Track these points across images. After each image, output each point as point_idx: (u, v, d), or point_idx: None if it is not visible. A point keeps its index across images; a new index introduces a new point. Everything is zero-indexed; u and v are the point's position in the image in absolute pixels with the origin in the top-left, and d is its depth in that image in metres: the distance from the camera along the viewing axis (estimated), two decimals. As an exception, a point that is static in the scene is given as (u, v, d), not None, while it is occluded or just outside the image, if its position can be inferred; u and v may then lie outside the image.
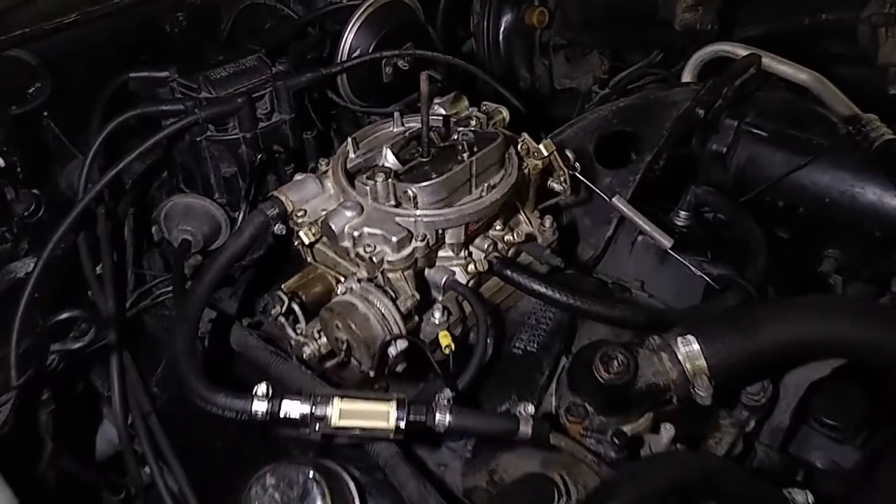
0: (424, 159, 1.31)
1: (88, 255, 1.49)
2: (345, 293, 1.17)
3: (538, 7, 2.12)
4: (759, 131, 1.62)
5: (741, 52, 1.76)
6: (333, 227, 1.20)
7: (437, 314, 1.26)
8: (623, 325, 1.31)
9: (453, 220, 1.22)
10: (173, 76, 1.63)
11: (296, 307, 1.24)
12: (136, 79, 1.66)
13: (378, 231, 1.20)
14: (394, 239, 1.18)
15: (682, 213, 1.65)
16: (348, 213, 1.21)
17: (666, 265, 1.58)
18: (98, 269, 1.46)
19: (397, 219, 1.22)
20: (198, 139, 1.59)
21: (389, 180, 1.23)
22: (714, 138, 1.66)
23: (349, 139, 1.36)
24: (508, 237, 1.35)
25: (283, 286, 1.30)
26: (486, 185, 1.26)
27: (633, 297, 1.56)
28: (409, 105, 1.85)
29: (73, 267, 1.48)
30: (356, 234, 1.20)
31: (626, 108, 1.71)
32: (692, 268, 1.42)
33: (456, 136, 1.36)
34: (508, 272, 1.29)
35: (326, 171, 1.34)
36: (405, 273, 1.21)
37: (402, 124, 1.43)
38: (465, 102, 1.51)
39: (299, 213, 1.27)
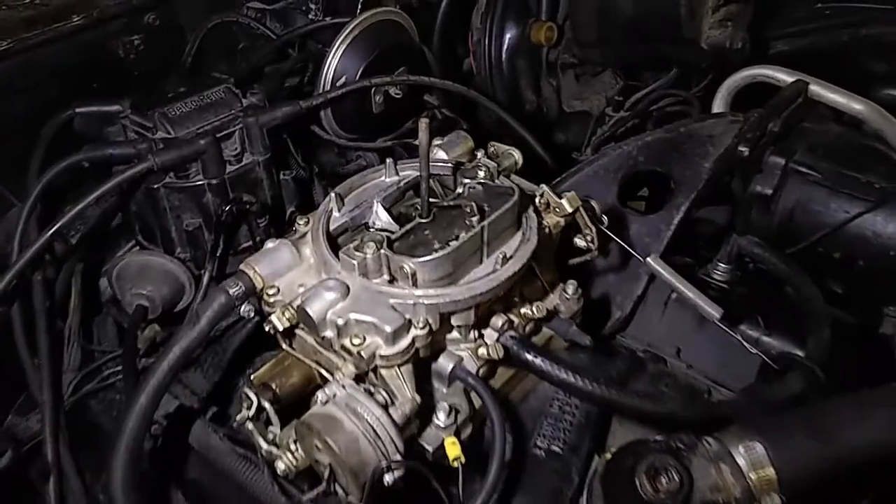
0: (424, 220, 1.08)
1: (23, 331, 1.25)
2: (326, 402, 0.93)
3: (546, 23, 1.89)
4: (810, 171, 1.40)
5: (783, 77, 1.54)
6: (312, 315, 0.96)
7: (442, 416, 1.02)
8: (670, 424, 1.08)
9: (462, 301, 0.99)
10: (125, 111, 1.38)
11: (267, 405, 1.01)
12: (83, 115, 1.42)
13: (368, 318, 0.96)
14: (388, 329, 0.95)
15: (722, 265, 1.43)
16: (330, 296, 0.97)
17: (705, 328, 1.35)
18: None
19: (392, 301, 0.98)
20: (154, 186, 1.35)
21: (382, 251, 0.99)
22: (758, 178, 1.43)
23: (332, 194, 1.12)
24: (526, 311, 1.12)
25: (251, 376, 1.06)
26: (500, 254, 1.03)
27: (670, 370, 1.34)
28: (403, 139, 1.61)
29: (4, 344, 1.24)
30: (341, 321, 0.96)
31: (655, 144, 1.48)
32: (746, 344, 1.19)
33: (461, 190, 1.13)
34: (529, 357, 1.06)
35: (305, 234, 1.10)
36: (402, 369, 0.98)
37: (396, 172, 1.20)
38: (471, 143, 1.28)
39: (271, 291, 1.03)
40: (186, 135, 1.34)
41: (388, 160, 1.20)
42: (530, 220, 1.10)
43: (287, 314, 1.00)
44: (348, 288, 0.99)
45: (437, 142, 1.25)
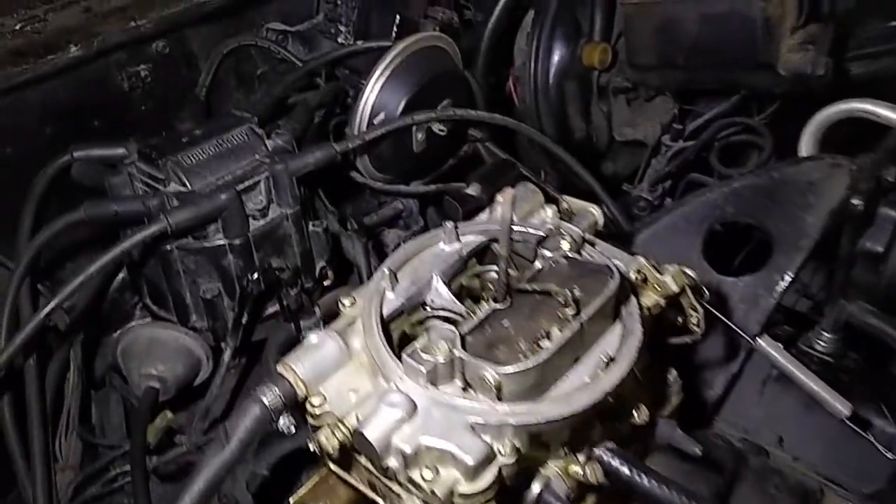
0: (500, 306, 0.88)
1: (14, 427, 1.05)
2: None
3: (600, 44, 1.69)
4: (929, 226, 1.20)
5: (887, 113, 1.33)
6: (373, 442, 0.76)
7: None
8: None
9: (560, 420, 0.78)
10: (132, 157, 1.19)
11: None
12: (82, 161, 1.21)
13: (444, 445, 0.76)
14: (470, 462, 0.74)
15: (827, 335, 1.23)
16: (394, 415, 0.77)
17: (812, 412, 1.15)
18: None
19: (471, 419, 0.78)
20: (167, 248, 1.15)
21: (456, 354, 0.79)
22: (868, 233, 1.23)
23: (383, 271, 0.92)
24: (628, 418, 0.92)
25: (290, 500, 0.86)
26: (602, 356, 0.82)
27: (775, 465, 1.14)
28: (444, 183, 1.41)
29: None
30: (408, 449, 0.76)
31: (744, 192, 1.28)
32: (880, 447, 0.99)
33: (541, 265, 0.93)
34: (633, 477, 0.86)
35: (353, 321, 0.90)
36: (487, 510, 0.78)
37: (457, 238, 1.00)
38: (540, 198, 1.09)
39: (316, 401, 0.83)
40: (204, 186, 1.14)
41: (448, 225, 1.00)
42: (629, 305, 0.90)
43: (339, 434, 0.80)
44: (415, 404, 0.78)
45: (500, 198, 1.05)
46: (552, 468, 0.87)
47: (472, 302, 1.02)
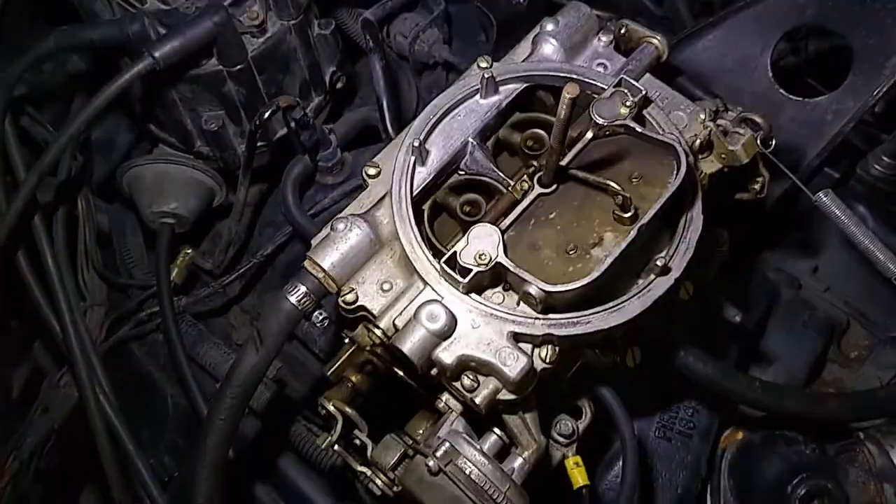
0: (547, 191, 0.78)
1: (33, 274, 1.03)
2: (437, 472, 0.75)
3: None
4: None
5: None
6: (410, 356, 0.73)
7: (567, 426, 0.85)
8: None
9: (605, 330, 0.75)
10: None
11: (341, 417, 0.83)
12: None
13: (485, 357, 0.73)
14: (512, 375, 0.72)
15: (886, 160, 1.13)
16: (432, 329, 0.73)
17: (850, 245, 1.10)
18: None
19: (514, 328, 0.74)
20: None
21: (498, 259, 0.73)
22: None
23: (412, 145, 0.81)
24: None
25: (324, 395, 0.87)
26: (656, 263, 0.75)
27: (807, 299, 1.12)
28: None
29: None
30: (448, 360, 0.74)
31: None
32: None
33: (591, 134, 0.80)
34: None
35: (380, 199, 0.81)
36: (526, 416, 0.78)
37: (495, 90, 0.86)
38: (594, 22, 0.91)
39: (348, 297, 0.78)
40: (188, 5, 0.95)
41: (482, 64, 0.85)
42: (690, 176, 0.79)
43: (374, 337, 0.77)
44: (454, 316, 0.74)
45: (549, 26, 0.88)
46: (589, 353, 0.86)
47: (509, 155, 0.92)
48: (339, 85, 1.19)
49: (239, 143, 1.09)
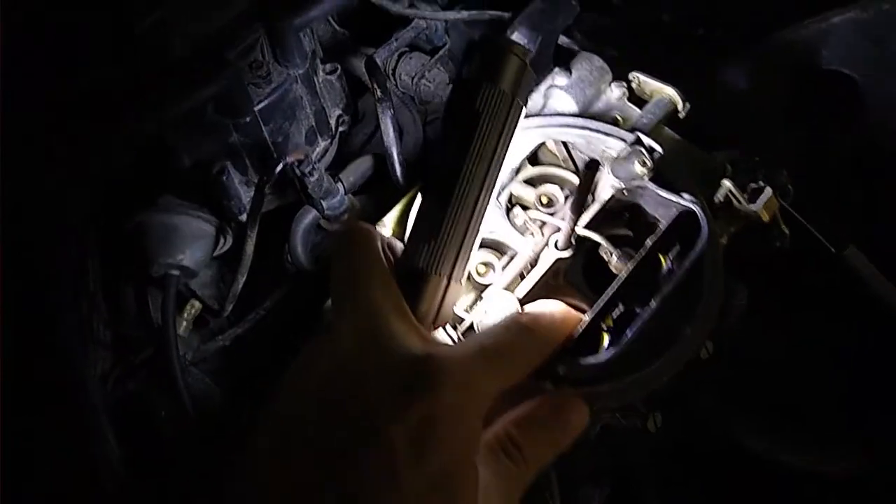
0: (564, 255, 0.77)
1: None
2: None
3: None
4: None
5: None
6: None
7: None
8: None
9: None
10: None
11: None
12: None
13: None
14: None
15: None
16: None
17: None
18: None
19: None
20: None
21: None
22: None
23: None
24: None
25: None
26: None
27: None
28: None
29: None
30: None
31: (844, 29, 1.05)
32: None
33: (607, 196, 0.78)
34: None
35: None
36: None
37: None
38: (608, 76, 0.90)
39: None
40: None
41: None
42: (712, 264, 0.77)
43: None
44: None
45: (561, 82, 0.86)
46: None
47: (521, 209, 0.90)
48: (342, 128, 1.17)
49: (245, 191, 1.07)
